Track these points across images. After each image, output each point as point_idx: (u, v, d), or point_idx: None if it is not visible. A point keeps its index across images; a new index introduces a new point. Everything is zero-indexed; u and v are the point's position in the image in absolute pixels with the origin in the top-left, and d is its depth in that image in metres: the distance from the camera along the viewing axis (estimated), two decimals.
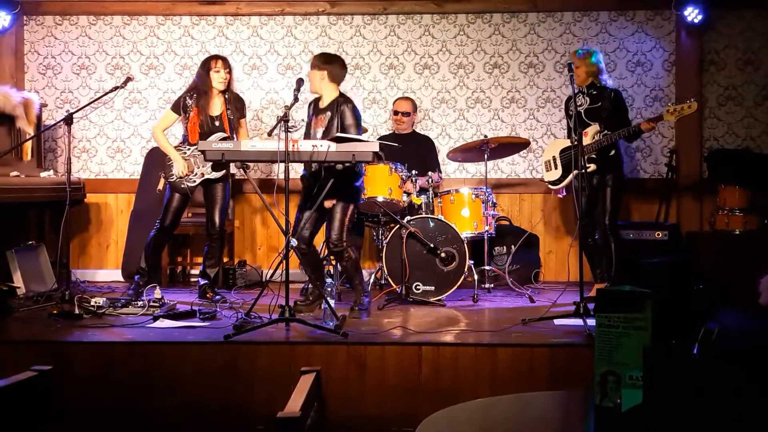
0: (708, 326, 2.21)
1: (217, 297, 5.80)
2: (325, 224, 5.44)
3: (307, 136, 5.46)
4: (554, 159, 6.07)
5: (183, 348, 4.37)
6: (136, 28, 7.43)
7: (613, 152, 5.81)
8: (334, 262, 6.25)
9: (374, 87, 7.33)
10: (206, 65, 5.87)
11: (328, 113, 5.33)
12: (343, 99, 5.37)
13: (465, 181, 7.20)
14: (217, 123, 5.84)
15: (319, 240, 6.12)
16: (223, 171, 5.85)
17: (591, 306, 4.95)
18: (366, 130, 6.76)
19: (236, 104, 5.98)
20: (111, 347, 4.41)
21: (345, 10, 7.31)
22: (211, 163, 5.71)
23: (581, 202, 5.61)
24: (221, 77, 5.83)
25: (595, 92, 5.86)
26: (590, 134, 5.73)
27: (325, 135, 5.28)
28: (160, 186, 6.17)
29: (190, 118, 5.81)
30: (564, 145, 5.97)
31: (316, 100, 5.49)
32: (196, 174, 5.80)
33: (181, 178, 5.78)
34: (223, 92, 5.91)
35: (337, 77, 5.41)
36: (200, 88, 5.84)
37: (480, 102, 7.29)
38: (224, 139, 5.71)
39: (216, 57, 5.92)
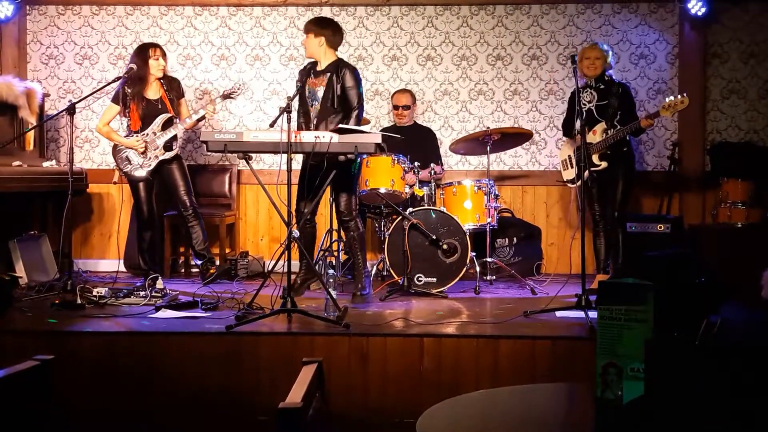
0: (710, 319, 2.21)
1: (217, 263, 5.88)
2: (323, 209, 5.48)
3: (303, 99, 5.46)
4: (569, 158, 6.14)
5: (185, 338, 4.37)
6: (138, 18, 7.42)
7: (625, 148, 5.88)
8: (336, 254, 6.26)
9: (377, 78, 7.32)
10: (144, 54, 6.00)
11: (328, 74, 5.38)
12: (343, 62, 5.45)
13: (467, 173, 7.19)
14: (159, 106, 6.00)
15: (319, 233, 6.13)
16: (175, 150, 5.99)
17: (593, 298, 4.98)
18: (368, 122, 6.76)
19: (173, 86, 6.12)
20: (113, 337, 4.42)
21: (348, 1, 7.29)
22: (162, 145, 5.91)
23: (590, 195, 5.73)
24: (160, 65, 6.01)
25: (602, 86, 5.90)
26: (598, 132, 5.80)
27: (326, 94, 5.34)
28: (115, 178, 6.28)
29: (131, 107, 5.91)
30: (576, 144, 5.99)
31: (313, 65, 5.50)
32: (149, 158, 5.89)
33: (138, 165, 5.86)
34: (163, 75, 6.05)
35: (334, 42, 5.48)
36: (137, 77, 5.95)
37: (483, 94, 7.28)
38: (169, 119, 5.98)
39: (153, 45, 6.08)
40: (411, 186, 6.04)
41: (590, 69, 5.92)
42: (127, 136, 5.99)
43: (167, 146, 5.91)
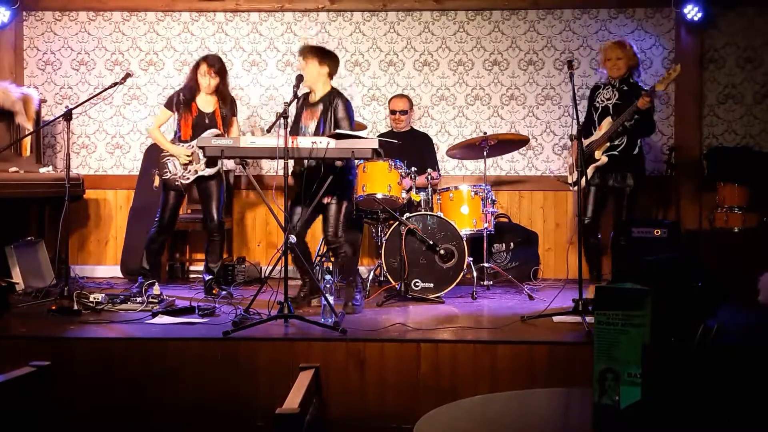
0: (707, 324, 2.21)
1: (223, 292, 5.82)
2: (320, 220, 5.44)
3: (295, 130, 5.41)
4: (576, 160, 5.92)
5: (182, 344, 4.36)
6: (135, 24, 7.42)
7: (636, 150, 5.70)
8: (333, 259, 6.25)
9: (374, 84, 7.32)
10: (195, 67, 5.95)
11: (321, 106, 5.32)
12: (336, 92, 5.37)
13: (464, 178, 7.19)
14: (207, 120, 5.89)
15: (315, 240, 6.13)
16: (216, 168, 5.91)
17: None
18: (365, 127, 6.76)
19: (227, 103, 6.02)
20: (110, 343, 4.41)
21: (344, 7, 7.30)
22: (204, 161, 5.79)
23: (588, 200, 5.62)
24: (206, 82, 5.88)
25: (626, 88, 5.71)
26: (604, 127, 5.66)
27: (318, 128, 5.27)
28: (156, 183, 6.22)
29: (182, 116, 5.85)
30: (585, 143, 5.77)
31: (305, 94, 5.45)
32: (189, 171, 5.84)
33: (175, 174, 5.83)
34: (215, 90, 5.94)
35: (333, 73, 5.44)
36: (189, 88, 5.92)
37: (479, 99, 7.29)
38: (217, 135, 5.79)
39: (204, 60, 5.93)
40: (407, 191, 6.04)
41: (613, 70, 5.69)
42: (172, 141, 5.94)
43: (210, 162, 5.85)
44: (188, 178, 5.86)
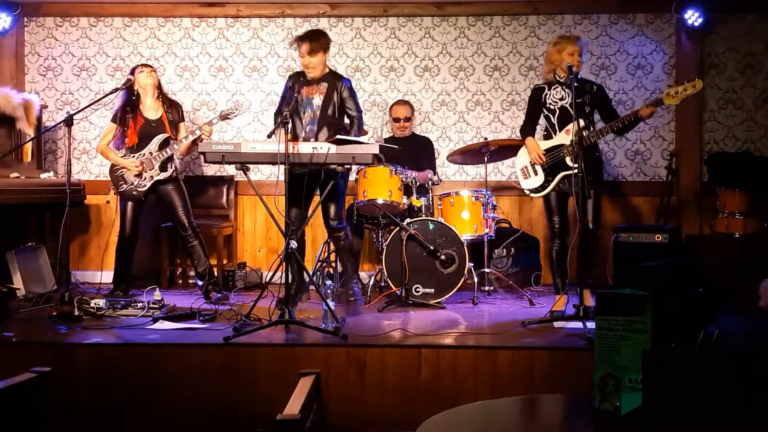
0: (708, 330, 2.21)
1: (218, 295, 5.82)
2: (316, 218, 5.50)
3: (296, 107, 5.45)
4: (533, 165, 5.49)
5: (182, 350, 4.36)
6: (136, 29, 7.43)
7: (597, 153, 5.41)
8: (334, 265, 6.26)
9: (374, 89, 7.33)
10: (131, 73, 6.04)
11: (325, 84, 5.47)
12: (338, 74, 5.58)
13: (465, 183, 7.19)
14: (155, 125, 5.98)
15: (315, 245, 6.13)
16: (171, 170, 5.98)
17: (563, 313, 5.03)
18: (366, 132, 6.76)
19: (174, 108, 6.12)
20: (110, 349, 4.40)
21: (345, 13, 7.31)
22: (158, 165, 5.90)
23: (552, 204, 5.45)
24: (145, 75, 5.98)
25: (576, 84, 5.16)
26: (572, 131, 5.14)
27: (326, 102, 5.43)
28: (110, 197, 6.24)
29: (129, 125, 5.95)
30: (543, 146, 5.45)
31: (300, 74, 5.59)
32: (144, 178, 5.89)
33: (132, 185, 5.87)
34: (157, 96, 6.04)
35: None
36: (132, 94, 5.98)
37: (480, 104, 7.29)
38: (166, 140, 5.95)
39: (138, 65, 6.12)
40: (409, 196, 6.02)
41: (579, 65, 5.27)
42: (124, 155, 5.98)
43: (163, 167, 5.90)
44: (145, 186, 5.91)
